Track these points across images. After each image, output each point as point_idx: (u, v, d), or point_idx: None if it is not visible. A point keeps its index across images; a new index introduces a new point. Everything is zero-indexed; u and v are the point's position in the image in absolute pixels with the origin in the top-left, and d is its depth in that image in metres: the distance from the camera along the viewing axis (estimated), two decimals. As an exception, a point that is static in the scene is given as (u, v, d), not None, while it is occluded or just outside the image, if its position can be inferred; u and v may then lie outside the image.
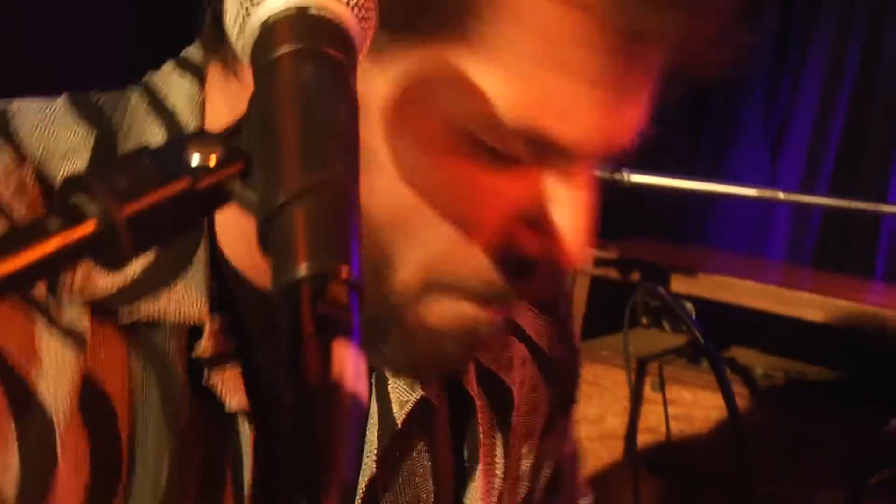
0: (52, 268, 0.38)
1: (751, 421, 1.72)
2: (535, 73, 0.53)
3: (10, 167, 0.60)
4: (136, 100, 0.64)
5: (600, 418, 1.78)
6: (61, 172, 0.61)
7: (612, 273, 1.86)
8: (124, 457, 0.62)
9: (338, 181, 0.40)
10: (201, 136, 0.42)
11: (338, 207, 0.40)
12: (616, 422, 1.79)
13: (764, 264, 2.42)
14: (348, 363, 0.36)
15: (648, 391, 1.78)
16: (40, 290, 0.60)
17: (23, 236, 0.38)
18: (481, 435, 0.77)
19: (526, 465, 0.83)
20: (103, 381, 0.61)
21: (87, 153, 0.62)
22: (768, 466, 1.67)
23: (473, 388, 0.76)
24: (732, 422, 1.61)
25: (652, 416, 1.78)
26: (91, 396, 0.61)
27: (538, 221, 0.59)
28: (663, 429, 1.75)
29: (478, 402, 0.77)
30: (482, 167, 0.57)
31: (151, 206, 0.39)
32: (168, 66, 0.66)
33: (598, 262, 1.84)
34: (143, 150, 0.41)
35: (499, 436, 0.79)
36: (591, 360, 1.76)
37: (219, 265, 0.65)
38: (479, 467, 0.77)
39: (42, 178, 0.61)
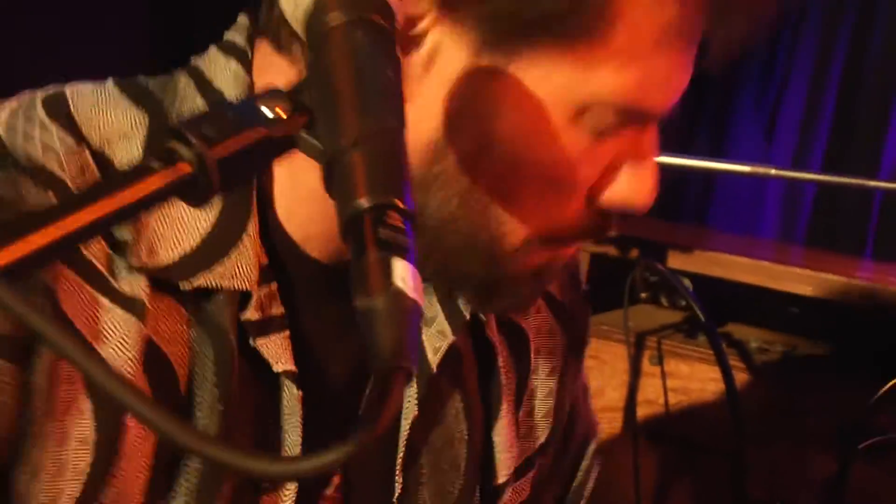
0: (154, 202, 0.46)
1: (746, 392, 1.81)
2: (643, 58, 0.63)
3: (72, 149, 0.66)
4: (184, 83, 0.70)
5: (600, 391, 1.87)
6: (118, 154, 0.67)
7: (612, 250, 1.94)
8: (183, 414, 0.68)
9: (390, 129, 0.49)
10: (272, 94, 0.50)
11: (391, 151, 0.48)
12: (616, 394, 1.87)
13: (758, 242, 2.50)
14: (407, 275, 0.44)
15: (647, 364, 1.87)
16: (103, 263, 0.66)
17: (131, 175, 0.46)
18: (503, 377, 0.85)
19: (548, 404, 0.91)
20: (163, 345, 0.68)
21: (142, 134, 0.68)
22: (763, 435, 1.75)
23: (495, 335, 0.84)
24: (728, 393, 1.69)
25: (650, 389, 1.86)
26: (154, 360, 0.67)
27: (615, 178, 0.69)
28: (661, 401, 1.84)
29: (499, 348, 0.85)
30: (585, 141, 0.66)
31: (236, 150, 0.47)
32: (213, 51, 0.72)
33: (598, 240, 1.92)
34: (226, 105, 0.49)
35: (520, 378, 0.87)
36: (591, 334, 1.84)
37: (273, 236, 0.71)
38: (503, 406, 0.85)
39: (100, 160, 0.67)
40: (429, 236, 0.67)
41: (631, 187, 0.69)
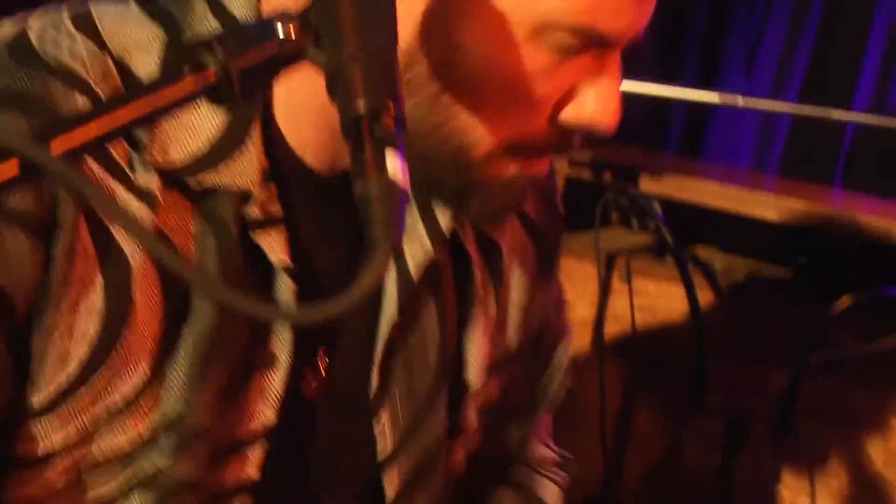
0: (185, 102, 0.57)
1: (710, 312, 1.94)
2: None
3: (96, 56, 0.75)
4: (200, 5, 0.78)
5: (571, 307, 1.98)
6: (136, 63, 0.76)
7: (586, 174, 2.05)
8: (188, 301, 0.78)
9: (384, 45, 0.60)
10: (284, 16, 0.60)
11: (385, 63, 0.59)
12: (586, 311, 2.00)
13: (729, 169, 2.62)
14: (397, 167, 0.55)
15: (616, 283, 1.99)
16: (123, 159, 0.75)
17: (167, 79, 0.56)
18: (478, 288, 0.95)
19: (519, 314, 1.01)
20: (171, 235, 0.77)
21: (158, 47, 0.77)
22: (725, 353, 1.88)
23: (472, 248, 0.95)
24: (692, 310, 1.82)
25: (619, 307, 1.99)
26: None
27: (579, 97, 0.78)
28: (629, 318, 1.97)
29: (474, 260, 0.95)
30: (546, 58, 0.74)
31: (255, 61, 0.58)
32: None
33: (573, 164, 2.03)
34: (246, 23, 0.59)
35: (492, 289, 0.97)
36: (563, 254, 1.95)
37: (273, 145, 0.80)
38: (477, 315, 0.96)
39: (120, 68, 0.76)
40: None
41: (595, 107, 0.77)
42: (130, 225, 0.52)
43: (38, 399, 0.75)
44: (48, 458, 0.77)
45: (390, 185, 0.55)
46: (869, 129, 2.66)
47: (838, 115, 1.58)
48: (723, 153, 2.87)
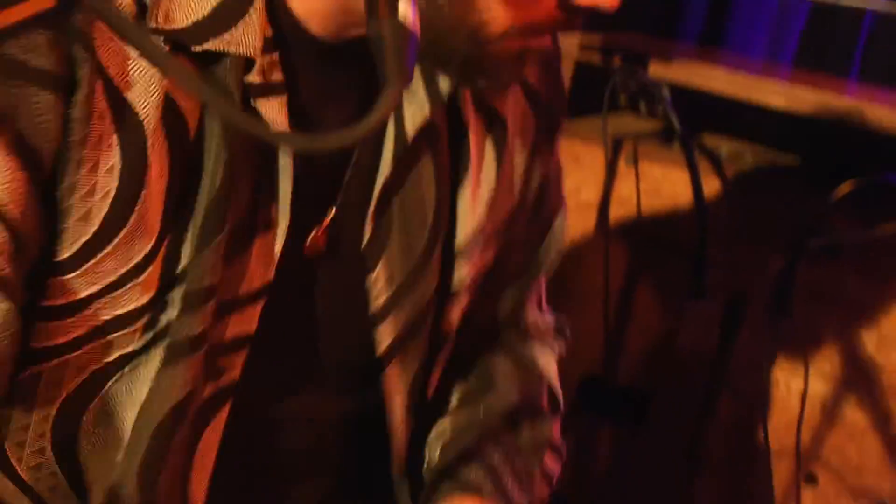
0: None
1: (714, 197, 2.00)
2: None
3: None
4: None
5: (577, 190, 2.07)
6: None
7: (595, 58, 2.10)
8: (196, 163, 0.84)
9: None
10: None
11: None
12: (592, 194, 2.07)
13: (740, 58, 2.66)
14: (409, 12, 0.62)
15: (623, 167, 2.06)
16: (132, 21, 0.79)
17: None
18: (473, 153, 1.01)
19: (517, 178, 1.07)
20: (178, 98, 0.82)
21: None
22: (727, 237, 1.95)
23: (471, 115, 1.00)
24: (695, 195, 1.89)
25: (625, 190, 2.06)
26: (170, 111, 0.82)
27: None
28: (634, 201, 2.04)
29: (471, 125, 1.00)
30: None
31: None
32: None
33: (583, 48, 2.08)
34: None
35: (492, 154, 1.03)
36: (571, 137, 2.02)
37: (278, 12, 0.84)
38: (470, 176, 1.02)
39: None
40: (421, 17, 0.76)
41: None
42: (154, 53, 0.58)
43: (64, 254, 0.81)
44: (74, 311, 0.83)
45: (401, 28, 0.61)
46: (888, 20, 2.68)
47: (850, 2, 1.62)
48: (739, 46, 2.90)
